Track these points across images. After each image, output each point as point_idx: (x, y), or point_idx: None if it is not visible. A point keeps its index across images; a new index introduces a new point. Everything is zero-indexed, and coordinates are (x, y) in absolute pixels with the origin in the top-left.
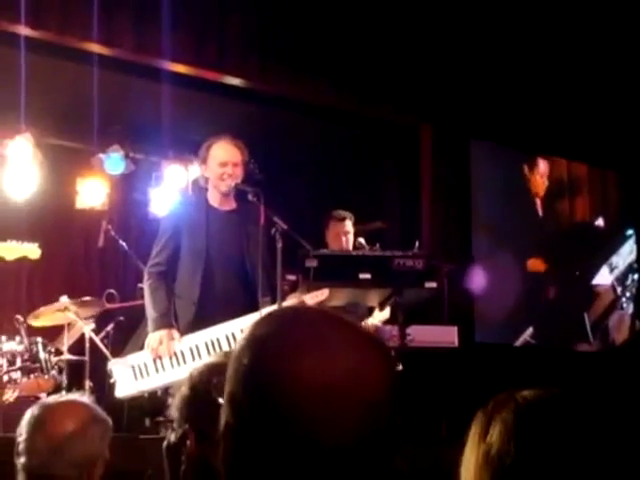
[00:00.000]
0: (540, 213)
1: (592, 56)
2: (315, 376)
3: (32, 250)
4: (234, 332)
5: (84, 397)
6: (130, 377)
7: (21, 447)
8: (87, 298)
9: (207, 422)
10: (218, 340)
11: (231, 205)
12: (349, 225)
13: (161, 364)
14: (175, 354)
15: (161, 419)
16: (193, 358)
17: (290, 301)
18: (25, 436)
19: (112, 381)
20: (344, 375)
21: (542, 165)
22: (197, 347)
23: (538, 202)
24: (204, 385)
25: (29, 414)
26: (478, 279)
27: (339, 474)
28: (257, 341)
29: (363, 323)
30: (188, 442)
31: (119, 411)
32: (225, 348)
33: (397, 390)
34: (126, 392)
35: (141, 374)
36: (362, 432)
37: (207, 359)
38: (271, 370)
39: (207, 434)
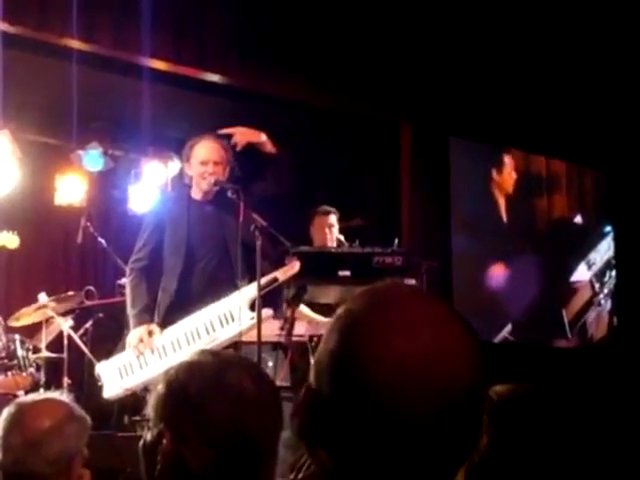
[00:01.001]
0: (504, 215)
1: (571, 52)
2: (403, 355)
3: (10, 239)
4: (212, 320)
5: (62, 395)
6: (116, 377)
7: None
8: (67, 294)
9: (183, 421)
10: (197, 330)
11: (213, 199)
12: (333, 218)
13: (144, 360)
14: (157, 348)
15: (138, 418)
16: (174, 350)
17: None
18: (1, 434)
19: (100, 384)
20: (434, 356)
21: (507, 160)
22: (177, 340)
23: (503, 203)
24: (179, 383)
25: (5, 412)
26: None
27: (423, 454)
28: (348, 318)
29: None
30: (164, 441)
31: (98, 409)
32: (204, 337)
33: (484, 372)
34: (113, 392)
35: (126, 372)
36: (449, 413)
37: (187, 350)
38: (360, 349)
39: (183, 433)
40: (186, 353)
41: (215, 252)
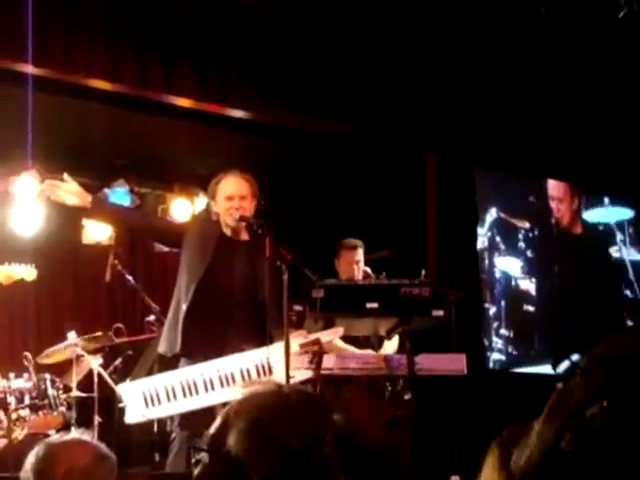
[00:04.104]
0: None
1: (599, 82)
2: None
3: (28, 272)
4: (248, 365)
5: (84, 434)
6: (140, 403)
7: None
8: (96, 333)
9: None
10: (232, 373)
11: (244, 236)
12: (360, 253)
13: (173, 393)
14: (187, 384)
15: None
16: (206, 390)
17: (296, 336)
18: (33, 476)
19: (121, 405)
20: None
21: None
22: (211, 380)
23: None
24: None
25: (36, 454)
26: None
27: None
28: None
29: (375, 353)
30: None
31: (128, 447)
32: (239, 381)
33: None
34: (135, 418)
35: (152, 401)
36: None
37: (221, 391)
38: None
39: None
40: (219, 394)
41: (237, 293)
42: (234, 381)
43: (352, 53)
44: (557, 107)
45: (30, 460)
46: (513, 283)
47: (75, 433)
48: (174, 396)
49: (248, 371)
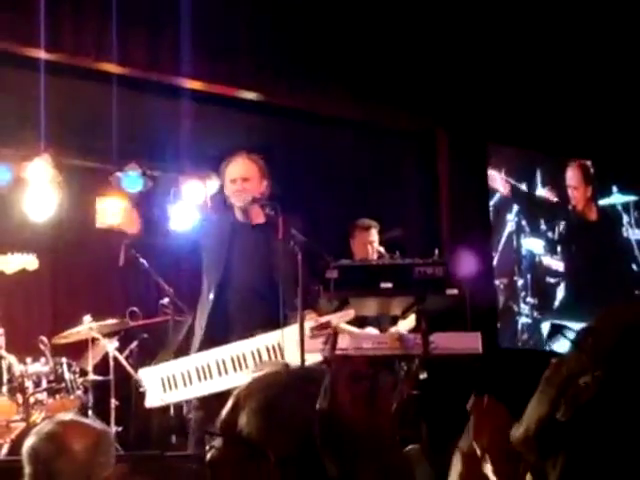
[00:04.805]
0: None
1: (613, 58)
2: None
3: (30, 261)
4: (259, 348)
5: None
6: (159, 388)
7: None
8: (112, 317)
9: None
10: (244, 355)
11: (259, 219)
12: (374, 234)
13: (189, 377)
14: (202, 368)
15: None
16: (219, 373)
17: (307, 320)
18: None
19: (142, 390)
20: None
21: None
22: (224, 362)
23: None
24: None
25: (33, 437)
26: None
27: None
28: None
29: (388, 331)
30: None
31: (145, 430)
32: (251, 365)
33: None
34: (154, 402)
35: (169, 386)
36: None
37: (234, 375)
38: None
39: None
40: (233, 378)
41: (253, 278)
42: (246, 365)
43: (362, 32)
44: (570, 80)
45: (28, 443)
46: (537, 260)
47: (71, 414)
48: (190, 381)
49: (260, 354)
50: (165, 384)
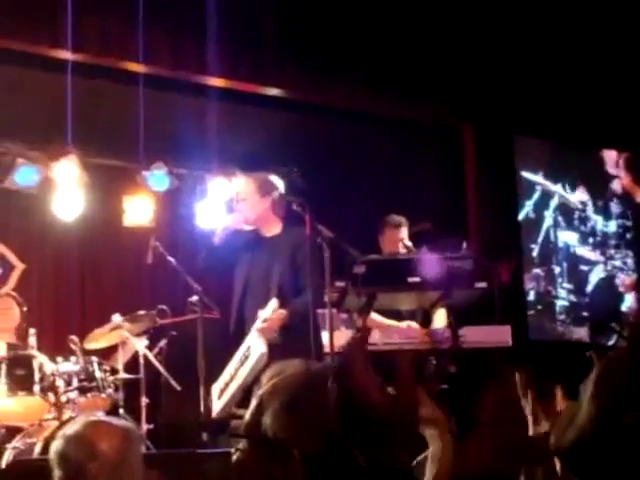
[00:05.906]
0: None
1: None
2: None
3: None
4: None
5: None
6: (216, 399)
7: None
8: (140, 313)
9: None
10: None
11: (275, 230)
12: (404, 231)
13: (226, 388)
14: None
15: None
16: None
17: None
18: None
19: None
20: None
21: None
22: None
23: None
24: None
25: (60, 440)
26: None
27: None
28: None
29: (420, 327)
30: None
31: (175, 427)
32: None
33: None
34: (216, 414)
35: (217, 397)
36: None
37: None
38: None
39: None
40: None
41: (262, 291)
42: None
43: (386, 27)
44: (595, 71)
45: (56, 447)
46: (571, 250)
47: (100, 414)
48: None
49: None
50: (217, 395)
